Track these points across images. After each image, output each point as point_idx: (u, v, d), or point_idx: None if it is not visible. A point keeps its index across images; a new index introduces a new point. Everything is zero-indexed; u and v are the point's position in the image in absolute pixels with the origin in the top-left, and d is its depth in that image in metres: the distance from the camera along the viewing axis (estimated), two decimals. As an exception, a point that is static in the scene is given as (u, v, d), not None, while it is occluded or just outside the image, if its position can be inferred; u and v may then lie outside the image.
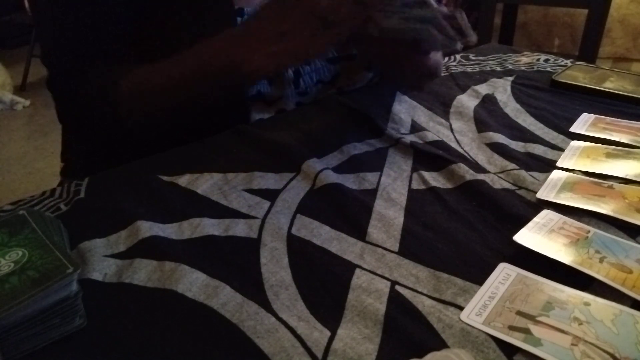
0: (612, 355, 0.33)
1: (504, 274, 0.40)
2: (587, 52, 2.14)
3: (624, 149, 0.58)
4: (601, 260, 0.41)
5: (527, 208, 0.48)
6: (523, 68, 0.85)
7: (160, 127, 0.64)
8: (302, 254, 0.43)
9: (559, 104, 0.71)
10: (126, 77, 0.60)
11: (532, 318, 0.35)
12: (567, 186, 0.51)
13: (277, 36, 0.53)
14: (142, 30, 0.63)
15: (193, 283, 0.39)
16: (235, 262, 0.42)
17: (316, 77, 0.74)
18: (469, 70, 0.84)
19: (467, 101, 0.72)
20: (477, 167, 0.55)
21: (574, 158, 0.57)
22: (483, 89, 0.76)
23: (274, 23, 0.54)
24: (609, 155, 0.57)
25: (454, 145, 0.60)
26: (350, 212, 0.48)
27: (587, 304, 0.37)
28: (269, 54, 0.54)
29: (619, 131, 0.62)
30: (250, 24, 0.57)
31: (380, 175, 0.54)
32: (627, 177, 0.52)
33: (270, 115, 0.71)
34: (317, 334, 0.35)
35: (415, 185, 0.52)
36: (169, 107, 0.62)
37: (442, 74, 0.82)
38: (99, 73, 0.61)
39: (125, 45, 0.63)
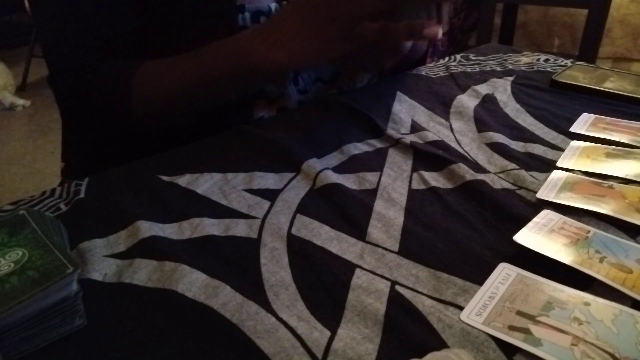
0: (612, 355, 0.33)
1: (504, 274, 0.40)
2: (587, 52, 2.14)
3: (624, 149, 0.58)
4: (601, 260, 0.41)
5: (527, 208, 0.48)
6: (523, 68, 0.85)
7: (170, 124, 0.64)
8: (302, 254, 0.43)
9: (559, 104, 0.71)
10: (139, 73, 0.60)
11: (532, 318, 0.35)
12: (567, 186, 0.51)
13: (295, 35, 0.55)
14: (143, 27, 0.63)
15: (193, 283, 0.39)
16: (235, 262, 0.42)
17: (314, 74, 0.74)
18: (469, 70, 0.84)
19: (467, 101, 0.72)
20: (477, 167, 0.55)
21: (574, 158, 0.57)
22: (483, 89, 0.76)
23: (294, 23, 0.55)
24: (609, 155, 0.57)
25: (454, 145, 0.60)
26: (350, 212, 0.48)
27: (587, 304, 0.37)
28: (287, 50, 0.55)
29: (619, 131, 0.62)
30: (271, 23, 0.58)
31: (380, 175, 0.54)
32: (627, 177, 0.52)
33: (272, 113, 0.71)
34: (317, 334, 0.35)
35: (415, 185, 0.52)
36: (182, 103, 0.62)
37: (442, 74, 0.82)
38: (108, 69, 0.61)
39: (126, 42, 0.63)
